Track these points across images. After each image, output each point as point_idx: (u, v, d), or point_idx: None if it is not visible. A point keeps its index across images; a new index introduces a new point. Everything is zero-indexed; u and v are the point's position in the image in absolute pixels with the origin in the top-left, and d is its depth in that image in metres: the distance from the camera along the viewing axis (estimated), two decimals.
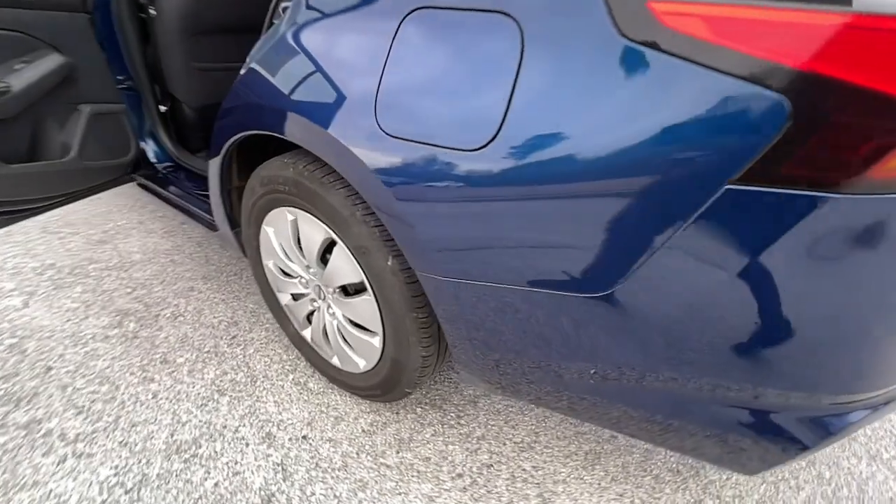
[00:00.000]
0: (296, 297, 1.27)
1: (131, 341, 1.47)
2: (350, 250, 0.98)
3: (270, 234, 1.20)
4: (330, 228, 1.00)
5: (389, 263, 0.90)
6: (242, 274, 1.84)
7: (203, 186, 1.67)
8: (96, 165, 1.50)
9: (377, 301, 0.98)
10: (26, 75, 1.24)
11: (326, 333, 1.22)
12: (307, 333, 1.30)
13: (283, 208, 1.11)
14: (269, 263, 1.26)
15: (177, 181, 1.75)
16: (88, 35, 1.42)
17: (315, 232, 1.05)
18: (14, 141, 1.29)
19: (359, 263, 0.97)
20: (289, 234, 1.13)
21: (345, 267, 1.02)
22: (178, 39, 1.64)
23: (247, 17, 1.79)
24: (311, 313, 1.25)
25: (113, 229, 2.04)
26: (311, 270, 1.14)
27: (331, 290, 1.11)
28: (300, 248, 1.14)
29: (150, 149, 1.78)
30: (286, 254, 1.19)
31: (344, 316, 1.13)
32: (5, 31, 1.21)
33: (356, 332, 1.11)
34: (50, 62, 1.29)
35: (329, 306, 1.16)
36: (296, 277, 1.21)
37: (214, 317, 1.60)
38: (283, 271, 1.24)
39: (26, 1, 1.23)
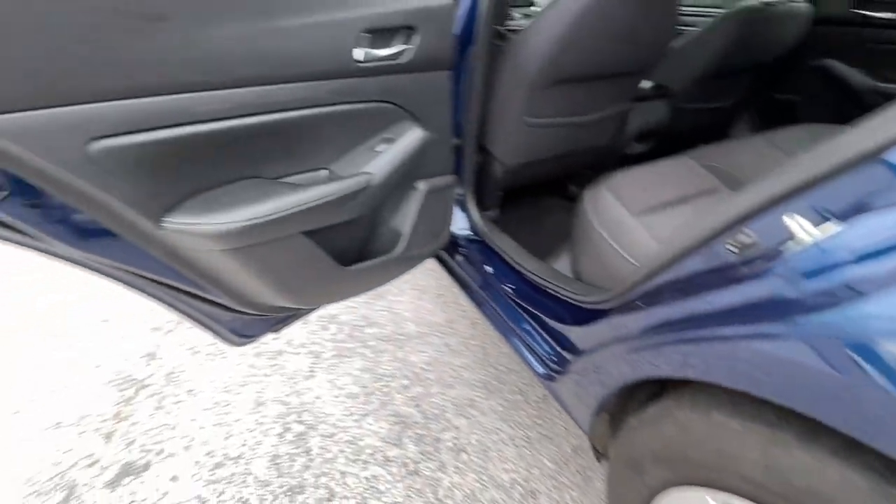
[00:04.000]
0: None
1: (412, 478, 1.19)
2: None
3: None
4: None
5: None
6: (528, 394, 1.43)
7: (504, 275, 1.28)
8: (418, 253, 1.22)
9: None
10: (387, 159, 0.96)
11: None
12: None
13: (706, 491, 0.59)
14: None
15: (472, 257, 1.41)
16: (444, 95, 1.09)
17: None
18: (354, 236, 1.06)
19: None
20: None
21: None
22: (522, 90, 1.25)
23: (614, 64, 1.30)
24: None
25: None
26: None
27: None
28: None
29: (456, 216, 1.46)
30: None
31: None
32: (376, 103, 0.92)
33: None
34: (411, 138, 0.99)
35: None
36: None
37: (504, 469, 1.22)
38: None
39: (400, 64, 0.92)
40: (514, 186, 1.71)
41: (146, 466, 1.20)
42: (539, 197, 1.92)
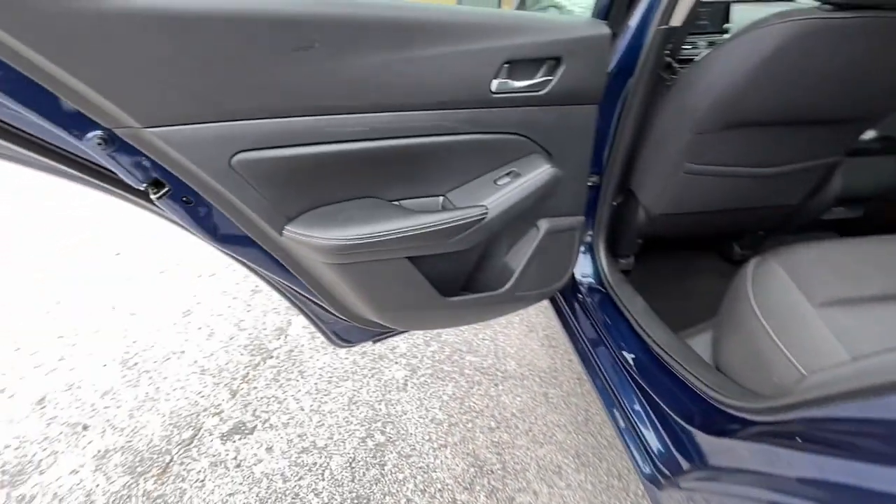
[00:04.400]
0: None
1: None
2: None
3: None
4: None
5: None
6: (629, 483, 1.21)
7: (623, 339, 1.10)
8: (529, 295, 1.14)
9: None
10: (508, 194, 0.90)
11: None
12: None
13: None
14: None
15: (590, 308, 1.25)
16: (586, 131, 0.99)
17: None
18: (461, 267, 1.03)
19: None
20: None
21: None
22: (687, 130, 1.06)
23: (824, 109, 1.02)
24: None
25: None
26: None
27: None
28: None
29: (581, 260, 1.32)
30: None
31: None
32: (506, 135, 0.87)
33: None
34: (539, 175, 0.92)
35: None
36: None
37: None
38: None
39: (538, 96, 0.85)
40: (660, 235, 1.49)
41: (252, 430, 1.35)
42: (689, 251, 1.65)
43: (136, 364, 1.58)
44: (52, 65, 0.48)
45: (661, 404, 0.96)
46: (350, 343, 1.12)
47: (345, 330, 1.07)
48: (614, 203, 1.33)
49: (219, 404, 1.43)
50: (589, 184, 1.17)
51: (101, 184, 0.67)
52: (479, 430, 1.34)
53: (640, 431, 0.95)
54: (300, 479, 1.22)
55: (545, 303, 1.37)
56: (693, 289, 1.48)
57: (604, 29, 0.85)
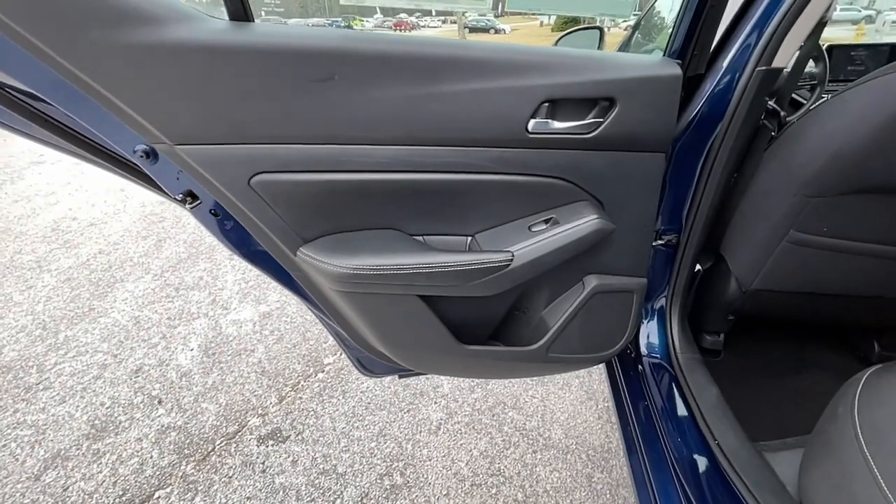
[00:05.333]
0: None
1: None
2: None
3: None
4: None
5: None
6: None
7: (681, 435, 0.90)
8: (565, 358, 1.01)
9: None
10: (542, 242, 0.81)
11: None
12: None
13: None
14: None
15: (647, 386, 1.05)
16: (649, 182, 0.86)
17: None
18: (485, 314, 0.95)
19: None
20: None
21: None
22: (793, 192, 0.87)
23: None
24: None
25: None
26: None
27: None
28: None
29: (647, 329, 1.14)
30: None
31: None
32: (547, 179, 0.79)
33: None
34: (584, 225, 0.81)
35: None
36: None
37: None
38: None
39: (586, 139, 0.76)
40: (762, 316, 1.22)
41: (285, 439, 1.39)
42: (810, 341, 1.32)
43: (214, 354, 1.76)
44: (101, 87, 0.56)
45: None
46: (374, 374, 1.10)
47: (368, 360, 1.06)
48: (699, 268, 1.14)
49: (266, 406, 1.52)
50: (661, 242, 1.01)
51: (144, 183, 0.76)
52: (503, 500, 1.20)
53: None
54: (311, 501, 1.21)
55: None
56: (802, 390, 1.18)
57: (673, 69, 0.75)
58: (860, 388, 0.68)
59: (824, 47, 1.20)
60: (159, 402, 1.55)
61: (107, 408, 1.52)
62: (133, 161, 0.67)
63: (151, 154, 0.65)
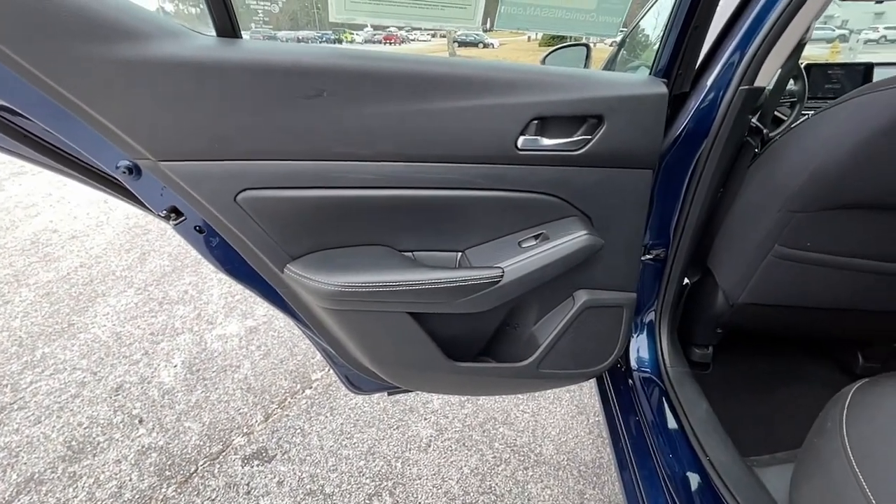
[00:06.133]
0: None
1: None
2: None
3: None
4: None
5: None
6: None
7: (672, 452, 0.90)
8: (556, 374, 1.00)
9: None
10: (532, 258, 0.81)
11: None
12: None
13: None
14: None
15: (636, 401, 1.05)
16: (637, 198, 0.86)
17: None
18: (476, 330, 0.95)
19: None
20: None
21: None
22: (776, 207, 0.88)
23: None
24: None
25: None
26: None
27: None
28: None
29: (637, 343, 1.14)
30: None
31: None
32: (536, 195, 0.79)
33: None
34: (573, 240, 0.81)
35: None
36: None
37: None
38: None
39: (575, 156, 0.76)
40: (749, 329, 1.23)
41: (271, 459, 1.35)
42: (797, 354, 1.34)
43: (198, 370, 1.72)
44: (82, 103, 0.55)
45: None
46: (362, 391, 1.08)
47: (356, 377, 1.04)
48: (687, 282, 1.14)
49: (251, 425, 1.48)
50: (650, 256, 1.02)
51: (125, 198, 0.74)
52: None
53: None
54: None
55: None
56: (790, 402, 1.19)
57: (659, 87, 0.76)
58: (847, 402, 0.69)
59: (802, 66, 1.24)
60: (140, 421, 1.50)
61: (84, 428, 1.46)
62: (115, 177, 0.65)
63: (134, 170, 0.63)
